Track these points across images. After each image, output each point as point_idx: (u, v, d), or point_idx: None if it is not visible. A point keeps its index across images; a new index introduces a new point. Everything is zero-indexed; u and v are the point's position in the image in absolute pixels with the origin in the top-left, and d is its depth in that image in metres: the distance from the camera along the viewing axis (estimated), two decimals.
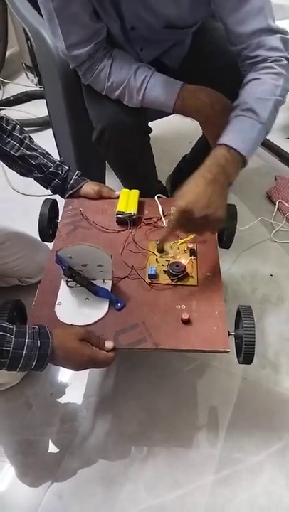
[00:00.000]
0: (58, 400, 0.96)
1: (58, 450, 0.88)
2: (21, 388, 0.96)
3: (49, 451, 0.88)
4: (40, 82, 1.99)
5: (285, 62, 0.72)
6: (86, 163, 1.11)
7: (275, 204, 1.37)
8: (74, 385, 0.98)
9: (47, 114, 1.83)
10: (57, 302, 0.69)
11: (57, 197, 0.89)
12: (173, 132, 1.56)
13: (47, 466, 0.86)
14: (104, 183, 0.97)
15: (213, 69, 0.82)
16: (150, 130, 0.91)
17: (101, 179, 1.16)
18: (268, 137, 1.52)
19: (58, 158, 0.87)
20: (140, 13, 0.76)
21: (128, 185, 0.89)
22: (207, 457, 0.87)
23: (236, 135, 0.68)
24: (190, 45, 0.95)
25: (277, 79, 0.71)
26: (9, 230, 1.01)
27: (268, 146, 1.54)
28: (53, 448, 0.89)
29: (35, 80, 1.99)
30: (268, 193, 1.41)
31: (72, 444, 0.88)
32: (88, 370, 0.98)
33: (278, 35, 0.72)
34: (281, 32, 0.73)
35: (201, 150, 1.10)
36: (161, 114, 0.98)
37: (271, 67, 0.72)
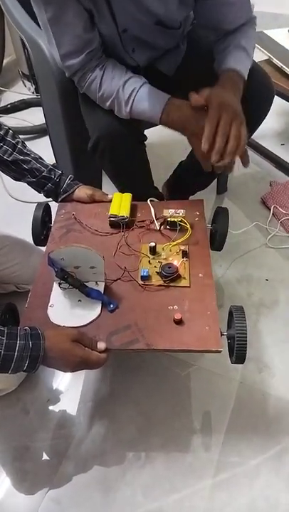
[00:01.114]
0: (55, 405, 0.97)
1: (55, 456, 0.89)
2: (18, 394, 0.97)
3: (46, 457, 0.89)
4: (37, 90, 2.04)
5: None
6: (83, 170, 1.13)
7: (270, 209, 1.40)
8: (71, 390, 0.99)
9: (44, 121, 1.87)
10: (49, 304, 0.71)
11: (50, 201, 0.90)
12: (168, 138, 1.57)
13: (44, 472, 0.87)
14: (101, 189, 0.98)
15: (207, 77, 0.85)
16: (145, 138, 0.94)
17: (98, 186, 1.17)
18: (263, 143, 1.57)
19: (51, 163, 0.88)
20: (132, 11, 0.79)
21: (124, 191, 0.91)
22: (205, 461, 0.87)
23: (242, 64, 0.85)
24: (185, 52, 0.99)
25: (254, 29, 0.92)
26: (6, 237, 1.03)
27: (263, 152, 1.58)
28: (50, 454, 0.89)
29: (32, 88, 2.04)
30: (263, 199, 1.44)
31: (69, 450, 0.89)
32: (84, 375, 1.00)
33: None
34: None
35: (196, 161, 1.14)
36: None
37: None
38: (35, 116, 1.80)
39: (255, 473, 0.86)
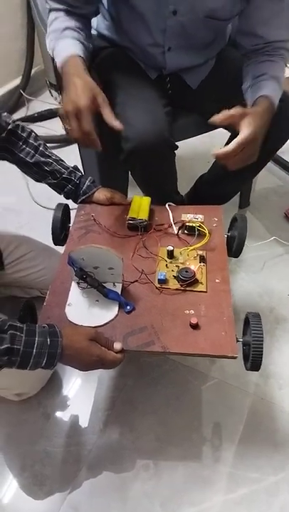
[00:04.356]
0: (75, 412, 1.01)
1: (74, 462, 0.93)
2: (40, 399, 1.02)
3: (66, 462, 0.93)
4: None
5: None
6: (110, 177, 1.18)
7: None
8: (92, 398, 1.03)
9: None
10: (67, 303, 0.74)
11: (69, 202, 0.94)
12: (190, 152, 1.68)
13: (63, 478, 0.91)
14: (126, 194, 1.02)
15: (227, 97, 0.89)
16: (177, 147, 0.99)
17: (123, 190, 1.21)
18: (286, 158, 1.59)
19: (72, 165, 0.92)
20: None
21: (149, 196, 0.96)
22: (223, 476, 0.91)
23: (275, 93, 0.87)
24: (212, 68, 1.06)
25: (285, 61, 0.94)
26: (32, 242, 1.09)
27: (286, 166, 1.63)
28: (69, 460, 0.94)
29: (59, 98, 2.14)
30: (287, 213, 1.48)
31: (89, 457, 0.93)
32: (106, 384, 1.04)
33: None
34: None
35: (218, 174, 1.18)
36: (189, 133, 1.08)
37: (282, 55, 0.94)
38: (60, 126, 1.86)
39: (275, 489, 0.88)
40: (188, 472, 0.91)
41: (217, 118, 0.78)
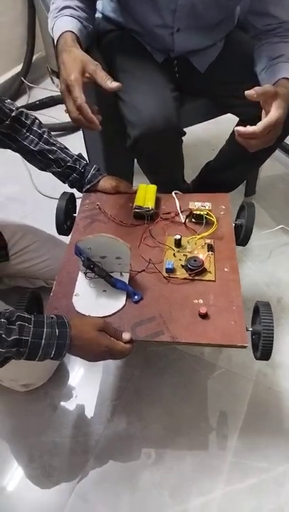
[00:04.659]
0: (83, 402, 1.01)
1: (82, 452, 0.93)
2: (47, 389, 1.02)
3: (74, 453, 0.93)
4: None
5: None
6: (115, 165, 1.16)
7: None
8: (99, 388, 1.03)
9: None
10: (75, 293, 0.73)
11: (74, 191, 0.93)
12: (195, 139, 1.66)
13: (72, 468, 0.91)
14: (132, 182, 1.00)
15: (236, 80, 0.86)
16: (184, 133, 0.97)
17: (129, 179, 1.19)
18: None
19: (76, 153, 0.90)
20: None
21: (156, 183, 0.94)
22: (232, 465, 0.91)
23: None
24: (220, 51, 1.03)
25: None
26: (37, 232, 1.08)
27: None
28: (77, 450, 0.94)
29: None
30: None
31: (96, 447, 0.94)
32: (113, 374, 1.04)
33: None
34: None
35: (225, 162, 1.15)
36: (196, 119, 1.05)
37: None
38: (63, 113, 1.82)
39: (284, 479, 0.89)
40: (196, 462, 0.91)
41: (253, 91, 0.74)
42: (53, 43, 0.88)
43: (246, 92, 0.74)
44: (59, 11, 0.86)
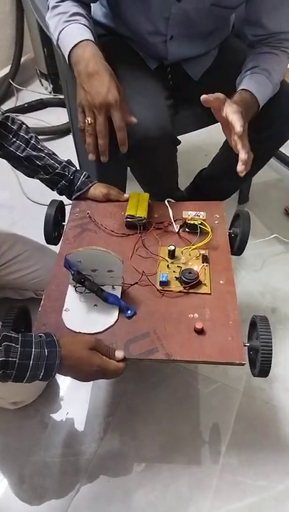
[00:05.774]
0: (74, 419, 0.98)
1: (75, 473, 0.90)
2: (37, 406, 0.98)
3: (66, 473, 0.90)
4: (54, 90, 2.08)
5: None
6: (107, 171, 1.12)
7: None
8: (91, 404, 1.00)
9: (61, 122, 1.84)
10: (64, 308, 0.71)
11: (64, 198, 0.90)
12: (189, 146, 1.63)
13: (64, 490, 0.88)
14: (124, 190, 0.98)
15: (229, 89, 0.85)
16: (179, 142, 0.96)
17: (122, 187, 1.17)
18: (287, 152, 1.55)
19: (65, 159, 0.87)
20: None
21: (150, 192, 0.92)
22: (231, 484, 0.88)
23: (259, 87, 0.85)
24: (214, 59, 1.03)
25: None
26: (26, 242, 1.05)
27: (285, 161, 1.60)
28: (69, 470, 0.91)
29: (50, 88, 2.09)
30: (287, 209, 1.46)
31: (89, 467, 0.90)
32: (106, 389, 1.01)
33: None
34: None
35: (219, 170, 1.14)
36: (190, 127, 1.04)
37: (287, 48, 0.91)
38: (52, 117, 1.84)
39: (285, 497, 0.86)
40: (192, 480, 0.88)
41: (208, 96, 0.75)
42: (53, 43, 0.86)
43: (202, 97, 0.75)
44: (71, 16, 0.83)
